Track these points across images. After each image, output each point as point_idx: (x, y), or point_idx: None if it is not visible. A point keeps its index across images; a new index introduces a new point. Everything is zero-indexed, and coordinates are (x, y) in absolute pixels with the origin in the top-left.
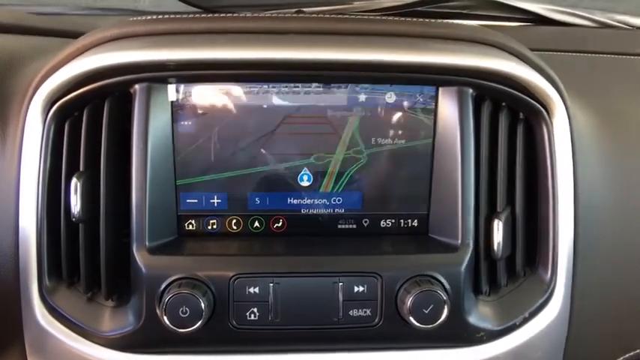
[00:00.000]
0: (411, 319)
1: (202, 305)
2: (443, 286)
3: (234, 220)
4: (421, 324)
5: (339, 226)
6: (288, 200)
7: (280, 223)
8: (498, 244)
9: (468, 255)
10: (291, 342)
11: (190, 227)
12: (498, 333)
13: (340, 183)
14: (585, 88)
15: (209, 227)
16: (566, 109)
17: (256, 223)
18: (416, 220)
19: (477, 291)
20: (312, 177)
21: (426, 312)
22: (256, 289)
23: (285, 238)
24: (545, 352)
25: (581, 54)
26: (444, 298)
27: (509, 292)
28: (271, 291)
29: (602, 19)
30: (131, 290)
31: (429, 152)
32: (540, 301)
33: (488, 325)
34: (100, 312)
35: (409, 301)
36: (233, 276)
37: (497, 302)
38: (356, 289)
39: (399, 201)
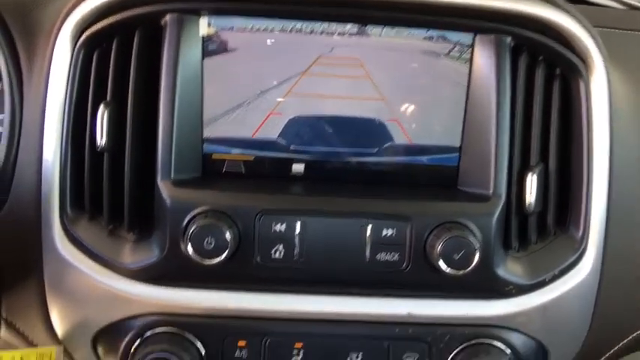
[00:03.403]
0: (441, 264)
1: (228, 237)
2: (474, 234)
3: (261, 162)
4: (451, 269)
5: (367, 174)
6: (317, 144)
7: (307, 167)
8: (530, 197)
9: (500, 206)
10: (316, 284)
11: (215, 167)
12: (528, 288)
13: (369, 129)
14: (621, 60)
15: (234, 168)
16: (605, 64)
17: (283, 166)
18: (445, 172)
19: (506, 246)
20: (341, 122)
21: (457, 258)
22: (282, 227)
23: (313, 181)
24: (574, 312)
25: (616, 30)
26: (476, 245)
27: (539, 250)
28: (298, 229)
29: (633, 2)
30: (154, 224)
31: (463, 102)
32: (571, 259)
33: (517, 279)
34: (122, 245)
35: (439, 246)
36: (259, 212)
37: (526, 258)
38: (384, 232)
39: (428, 151)
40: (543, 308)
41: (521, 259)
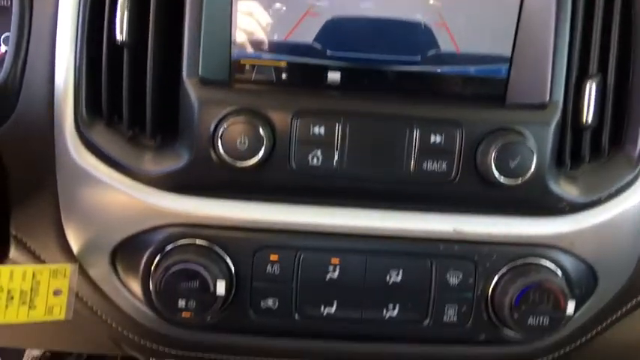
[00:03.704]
0: (494, 172)
1: (263, 137)
2: (530, 142)
3: (293, 69)
4: (505, 178)
5: (408, 85)
6: (356, 50)
7: (344, 76)
8: (588, 108)
9: (558, 114)
10: (355, 196)
11: (243, 74)
12: (582, 206)
13: (413, 34)
14: None
15: (264, 75)
16: None
17: (318, 73)
18: (493, 84)
19: (558, 164)
20: (384, 25)
21: (512, 165)
22: (322, 130)
23: (355, 87)
24: (628, 236)
25: None
26: (533, 152)
27: (593, 169)
28: (339, 132)
29: None
30: (177, 131)
31: (516, 6)
32: (627, 178)
33: (571, 196)
34: (143, 152)
35: (494, 152)
36: (296, 112)
37: (580, 177)
38: (432, 138)
39: (476, 61)
40: (596, 229)
41: (574, 177)
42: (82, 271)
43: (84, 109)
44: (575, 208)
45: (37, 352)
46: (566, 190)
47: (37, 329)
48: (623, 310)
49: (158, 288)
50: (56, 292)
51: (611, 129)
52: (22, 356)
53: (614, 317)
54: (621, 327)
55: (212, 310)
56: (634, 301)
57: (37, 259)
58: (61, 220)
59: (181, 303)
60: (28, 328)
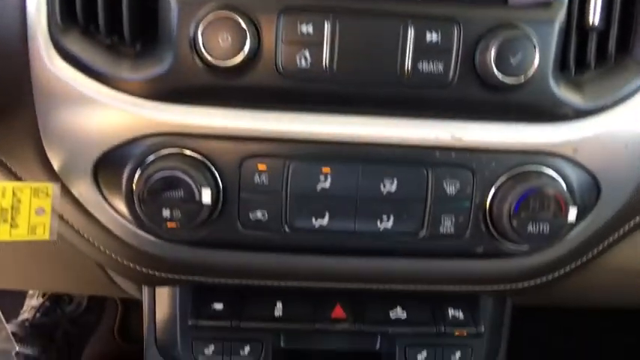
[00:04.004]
0: (494, 70)
1: (247, 32)
2: (533, 39)
3: None
4: (505, 76)
5: None
6: None
7: None
8: (595, 8)
9: (562, 12)
10: (346, 101)
11: None
12: (586, 112)
13: None
14: None
15: None
16: None
17: None
18: None
19: (563, 69)
20: None
21: (514, 62)
22: (309, 28)
23: None
24: (634, 147)
25: None
26: (536, 47)
27: (598, 75)
28: (328, 31)
29: None
30: (157, 38)
31: None
32: (636, 84)
33: (575, 101)
34: (122, 60)
35: (493, 48)
36: (282, 9)
37: (585, 83)
38: (428, 36)
39: None
40: (601, 137)
41: (579, 83)
42: (66, 191)
43: (58, 15)
44: (578, 114)
45: (35, 302)
46: (570, 95)
47: (25, 266)
48: (626, 228)
49: (141, 197)
50: (39, 211)
51: (619, 35)
52: (22, 307)
53: (615, 236)
54: (620, 250)
55: (198, 221)
56: (637, 219)
57: (19, 180)
58: (40, 136)
59: (166, 213)
60: (15, 266)
